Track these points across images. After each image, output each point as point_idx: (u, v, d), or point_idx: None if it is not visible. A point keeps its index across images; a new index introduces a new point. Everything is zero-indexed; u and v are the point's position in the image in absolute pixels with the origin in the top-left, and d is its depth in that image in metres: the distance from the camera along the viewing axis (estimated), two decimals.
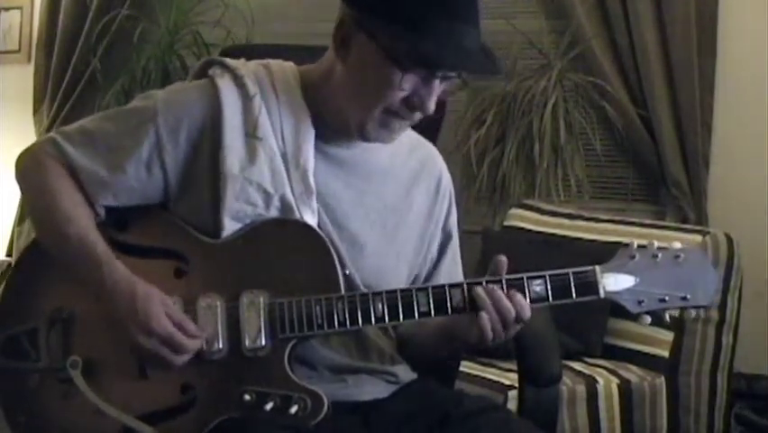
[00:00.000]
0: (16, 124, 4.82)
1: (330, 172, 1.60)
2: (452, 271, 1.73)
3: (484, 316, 1.47)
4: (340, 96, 1.54)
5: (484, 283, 1.49)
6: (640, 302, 1.49)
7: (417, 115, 1.54)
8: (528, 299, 1.49)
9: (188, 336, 1.48)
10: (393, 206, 1.66)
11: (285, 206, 1.55)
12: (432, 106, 1.52)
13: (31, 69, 4.89)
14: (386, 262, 1.63)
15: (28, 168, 1.61)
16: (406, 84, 1.48)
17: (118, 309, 1.48)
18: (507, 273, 1.51)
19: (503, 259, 1.52)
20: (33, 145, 1.63)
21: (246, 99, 1.56)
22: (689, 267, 1.49)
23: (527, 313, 1.48)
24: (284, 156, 1.56)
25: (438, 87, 1.51)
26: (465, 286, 1.50)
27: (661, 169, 3.48)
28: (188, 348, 1.48)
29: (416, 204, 1.68)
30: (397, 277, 1.65)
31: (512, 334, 1.51)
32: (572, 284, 1.49)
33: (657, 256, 1.50)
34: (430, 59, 1.47)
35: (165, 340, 1.47)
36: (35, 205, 1.61)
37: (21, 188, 1.66)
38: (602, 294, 1.49)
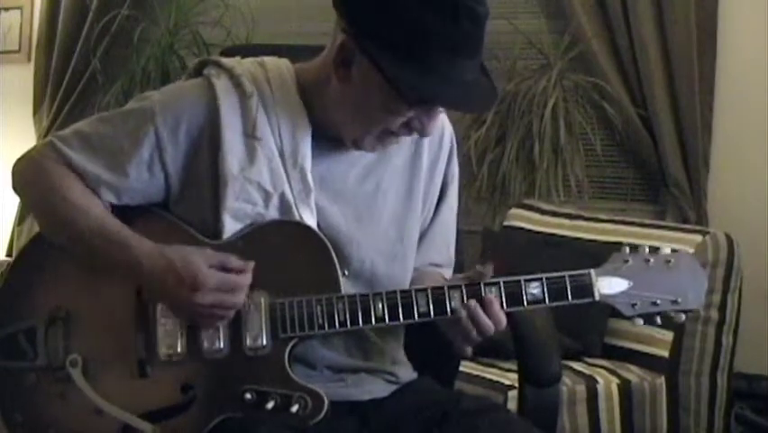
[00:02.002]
0: (16, 124, 4.82)
1: (332, 159, 1.60)
2: (447, 226, 1.74)
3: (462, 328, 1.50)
4: (336, 110, 1.55)
5: (482, 286, 1.50)
6: (633, 305, 1.53)
7: (414, 135, 1.55)
8: (525, 302, 1.51)
9: (237, 272, 1.49)
10: (402, 168, 1.66)
11: (284, 204, 1.55)
12: (432, 131, 1.54)
13: (31, 68, 4.89)
14: (405, 224, 1.65)
15: (29, 172, 1.60)
16: (409, 112, 1.49)
17: (163, 283, 1.48)
18: (505, 274, 1.52)
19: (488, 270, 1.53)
20: (31, 151, 1.62)
21: (243, 99, 1.56)
22: (679, 271, 1.53)
23: (503, 324, 1.50)
24: (282, 155, 1.56)
25: (438, 112, 1.52)
26: (464, 288, 1.51)
27: (661, 169, 3.48)
28: (243, 284, 1.49)
29: (424, 159, 1.69)
30: (414, 235, 1.67)
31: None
32: (568, 287, 1.51)
33: (649, 261, 1.53)
34: (434, 97, 1.47)
35: (219, 286, 1.47)
36: (44, 205, 1.59)
37: (23, 194, 1.64)
38: (597, 297, 1.52)
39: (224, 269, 1.48)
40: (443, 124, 1.72)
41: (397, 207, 1.65)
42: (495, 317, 1.49)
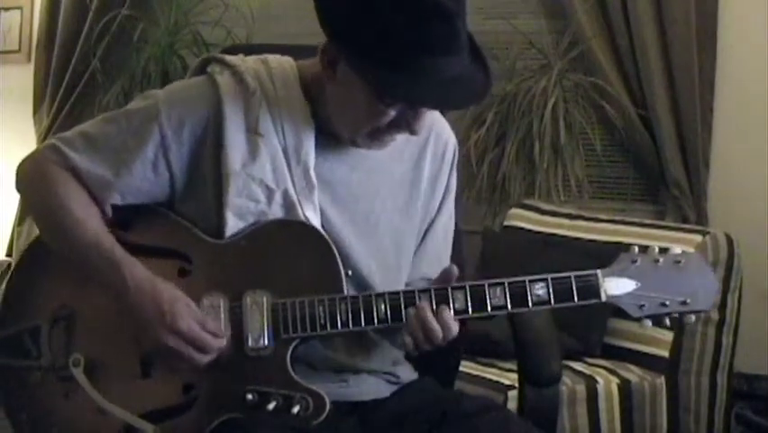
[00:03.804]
0: (16, 124, 4.82)
1: (335, 160, 1.60)
2: (440, 239, 1.73)
3: (407, 336, 1.50)
4: (331, 107, 1.55)
5: (486, 286, 1.50)
6: (641, 306, 1.50)
7: (405, 133, 1.54)
8: (530, 303, 1.50)
9: (213, 335, 1.49)
10: (402, 179, 1.66)
11: (287, 201, 1.55)
12: (420, 129, 1.52)
13: (31, 69, 4.89)
14: (401, 236, 1.65)
15: (31, 176, 1.60)
16: (392, 111, 1.49)
17: (143, 309, 1.48)
18: (507, 275, 1.52)
19: (453, 271, 1.52)
20: (34, 153, 1.62)
21: (246, 95, 1.56)
22: (689, 272, 1.51)
23: (454, 331, 1.50)
24: (285, 151, 1.56)
25: (423, 110, 1.51)
26: (468, 289, 1.50)
27: (661, 169, 3.48)
28: (213, 347, 1.49)
29: (425, 173, 1.69)
30: (410, 246, 1.67)
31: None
32: (574, 288, 1.50)
33: (658, 261, 1.51)
34: (412, 98, 1.47)
35: (191, 340, 1.47)
36: (43, 211, 1.60)
37: (25, 197, 1.65)
38: (604, 298, 1.50)
39: (204, 327, 1.48)
40: (447, 136, 1.72)
41: (394, 217, 1.65)
42: (444, 323, 1.49)
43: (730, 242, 2.96)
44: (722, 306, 2.94)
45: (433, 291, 1.51)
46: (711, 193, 3.44)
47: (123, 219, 1.58)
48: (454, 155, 1.73)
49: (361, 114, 1.51)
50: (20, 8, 4.99)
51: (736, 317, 2.99)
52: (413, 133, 1.53)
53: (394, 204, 1.65)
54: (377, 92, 1.46)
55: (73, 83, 4.70)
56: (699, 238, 2.94)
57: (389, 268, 1.63)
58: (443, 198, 1.73)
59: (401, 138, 1.58)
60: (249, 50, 1.69)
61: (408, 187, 1.67)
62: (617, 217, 3.25)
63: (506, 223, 3.40)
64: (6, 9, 5.01)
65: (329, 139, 1.59)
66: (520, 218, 3.37)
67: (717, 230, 3.02)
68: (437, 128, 1.72)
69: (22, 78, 4.88)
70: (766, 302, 3.23)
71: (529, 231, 3.30)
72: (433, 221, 1.72)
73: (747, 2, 3.42)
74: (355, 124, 1.53)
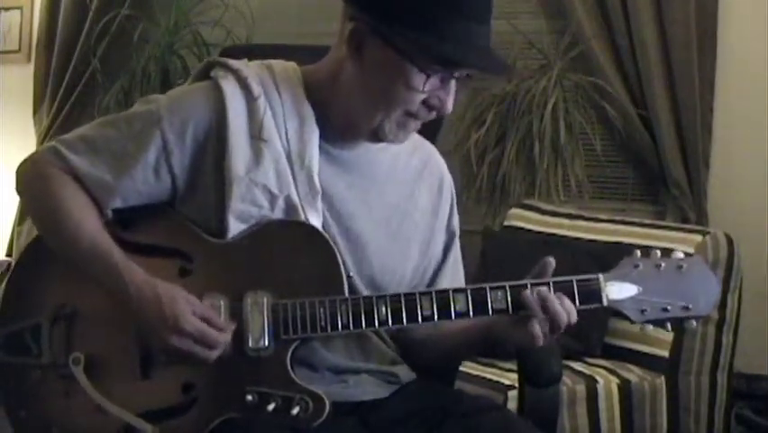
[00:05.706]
0: (16, 124, 4.81)
1: (333, 173, 1.60)
2: (456, 271, 1.74)
3: (534, 320, 1.48)
4: (352, 100, 1.54)
5: (488, 289, 1.50)
6: (643, 311, 1.50)
7: (433, 115, 1.55)
8: None
9: (218, 329, 1.48)
10: (397, 205, 1.66)
11: (290, 207, 1.55)
12: (450, 106, 1.53)
13: (31, 69, 4.89)
14: (390, 260, 1.64)
15: (30, 177, 1.60)
16: (427, 86, 1.49)
17: (147, 314, 1.48)
18: (507, 275, 1.52)
19: (551, 261, 1.52)
20: (33, 155, 1.62)
21: (250, 101, 1.56)
22: (691, 277, 1.50)
23: (574, 317, 1.48)
24: (289, 157, 1.56)
25: (454, 87, 1.52)
26: (469, 292, 1.51)
27: (661, 169, 3.48)
28: (220, 342, 1.48)
29: (421, 203, 1.69)
30: (402, 275, 1.65)
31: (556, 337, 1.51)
32: (576, 291, 1.50)
33: (660, 266, 1.51)
34: (451, 60, 1.47)
35: (197, 338, 1.47)
36: (42, 213, 1.59)
37: (24, 199, 1.64)
38: (605, 302, 1.50)
39: (209, 323, 1.48)
40: (442, 169, 1.73)
41: (385, 241, 1.63)
42: (567, 307, 1.47)
43: (730, 242, 2.96)
44: (722, 306, 2.94)
45: (434, 294, 1.50)
46: (711, 193, 3.44)
47: (124, 217, 1.58)
48: (452, 192, 1.74)
49: (394, 94, 1.50)
50: (20, 8, 4.98)
51: (736, 317, 2.99)
52: (444, 111, 1.53)
53: (386, 228, 1.64)
54: (419, 59, 1.46)
55: (73, 83, 4.70)
56: (699, 238, 2.94)
57: (377, 288, 1.62)
58: (450, 240, 1.72)
59: (401, 160, 1.61)
60: (249, 50, 1.69)
61: (402, 213, 1.66)
62: (617, 217, 3.25)
63: (506, 223, 3.40)
64: (6, 9, 5.01)
65: (330, 150, 1.59)
66: (520, 218, 3.36)
67: (717, 230, 3.02)
68: (434, 158, 1.73)
69: (22, 78, 4.88)
70: (766, 302, 3.23)
71: (529, 231, 3.29)
72: (441, 265, 1.71)
73: (747, 2, 3.42)
74: (386, 108, 1.52)
